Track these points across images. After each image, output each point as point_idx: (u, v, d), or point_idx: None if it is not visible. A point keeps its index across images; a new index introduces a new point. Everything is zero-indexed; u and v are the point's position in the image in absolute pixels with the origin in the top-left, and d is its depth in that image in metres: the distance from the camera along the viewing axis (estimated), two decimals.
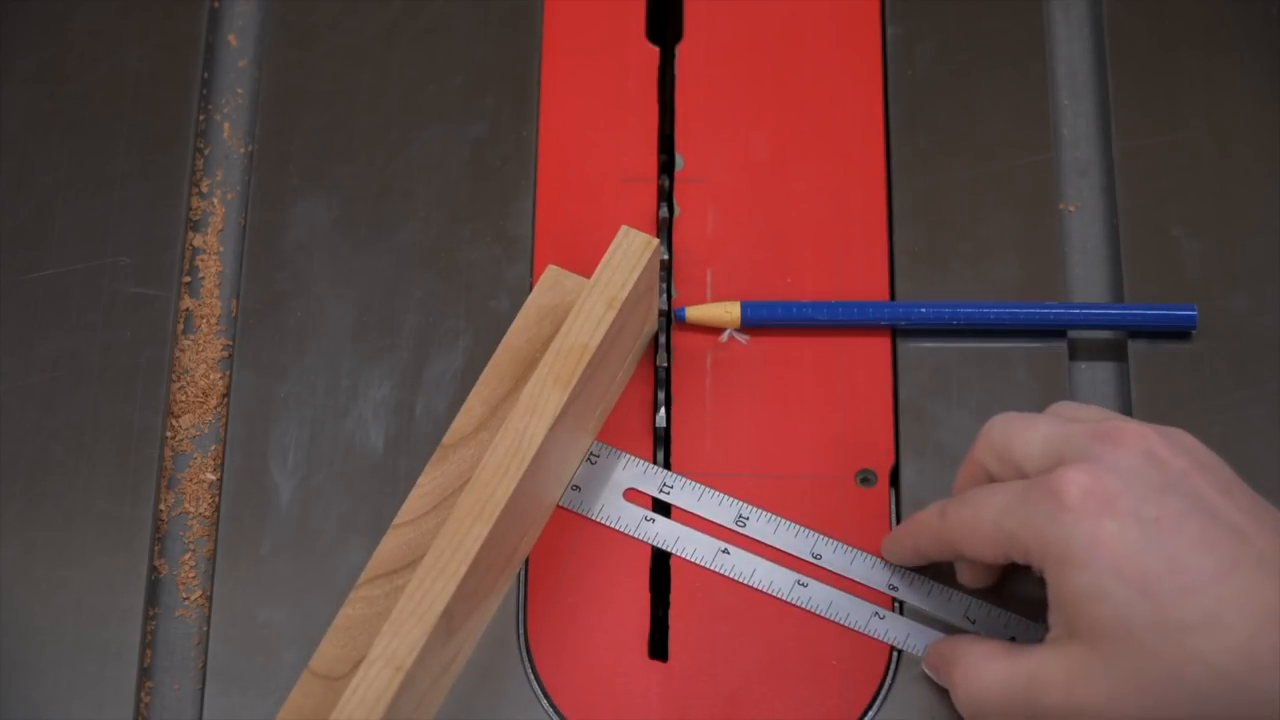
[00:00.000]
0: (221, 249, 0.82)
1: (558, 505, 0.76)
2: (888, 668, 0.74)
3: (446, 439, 0.75)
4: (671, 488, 0.76)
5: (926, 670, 0.73)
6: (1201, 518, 0.65)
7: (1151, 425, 0.67)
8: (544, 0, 0.85)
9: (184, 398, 0.79)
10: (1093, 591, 0.65)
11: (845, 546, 0.75)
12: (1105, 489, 0.65)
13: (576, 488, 0.76)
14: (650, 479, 0.77)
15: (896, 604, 0.75)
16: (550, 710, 0.73)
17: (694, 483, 0.76)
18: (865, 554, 0.75)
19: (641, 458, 0.77)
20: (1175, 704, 0.64)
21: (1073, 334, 0.79)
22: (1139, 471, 0.66)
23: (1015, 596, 0.74)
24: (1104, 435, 0.67)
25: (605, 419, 0.78)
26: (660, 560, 0.76)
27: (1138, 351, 0.78)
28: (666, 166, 0.83)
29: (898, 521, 0.76)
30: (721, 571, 0.75)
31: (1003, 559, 0.68)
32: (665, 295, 0.80)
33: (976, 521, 0.68)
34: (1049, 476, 0.66)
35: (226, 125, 0.84)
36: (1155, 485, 0.66)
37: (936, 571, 0.74)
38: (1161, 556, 0.64)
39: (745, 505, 0.76)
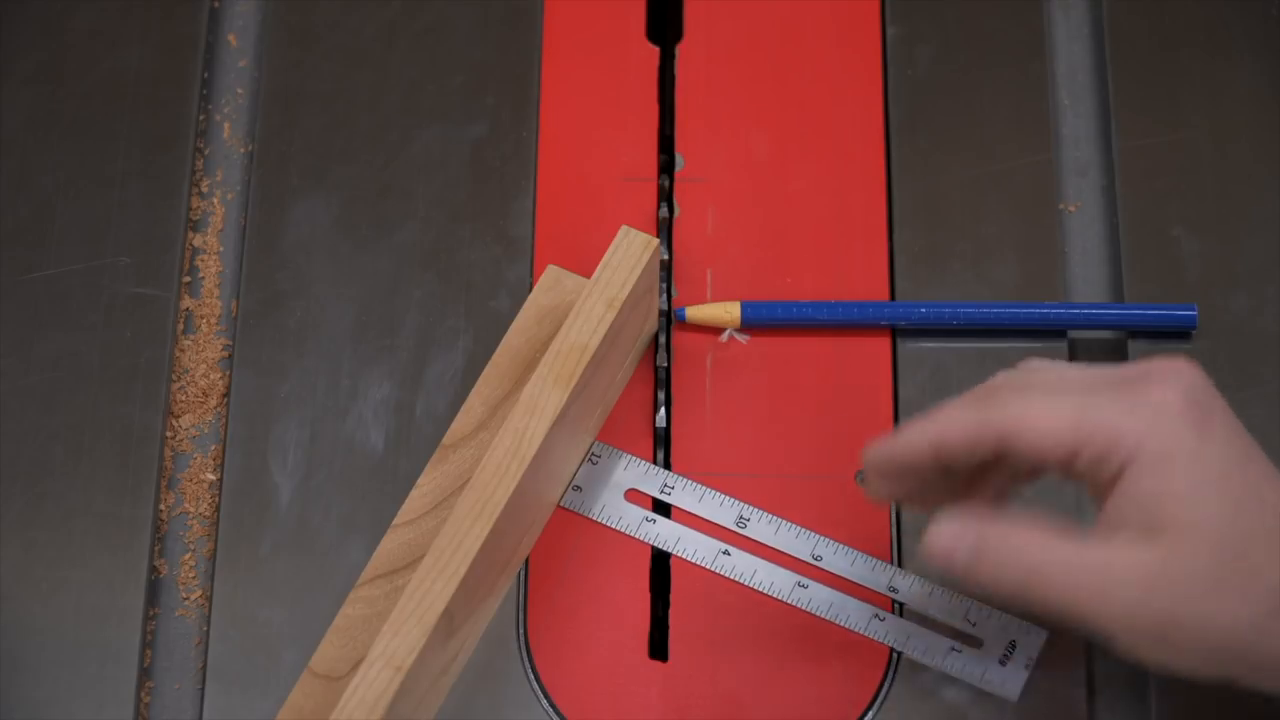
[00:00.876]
0: (221, 249, 0.82)
1: (558, 505, 0.76)
2: (887, 669, 0.74)
3: (446, 439, 0.75)
4: (672, 488, 0.76)
5: (934, 556, 0.67)
6: (1258, 456, 0.65)
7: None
8: (544, 0, 0.85)
9: (184, 398, 0.79)
10: (1190, 492, 0.64)
11: (846, 548, 0.75)
12: (1198, 406, 0.65)
13: (577, 488, 0.76)
14: (651, 479, 0.77)
15: (896, 606, 0.75)
16: (550, 710, 0.73)
17: (695, 484, 0.76)
18: (866, 556, 0.75)
19: (641, 458, 0.77)
20: (1255, 609, 0.63)
21: (1073, 334, 0.79)
22: (1216, 402, 0.66)
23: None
24: (1158, 368, 0.66)
25: (605, 419, 0.78)
26: (660, 561, 0.76)
27: (1138, 351, 0.78)
28: (666, 166, 0.83)
29: (898, 522, 0.76)
30: (722, 572, 0.75)
31: (1062, 450, 0.65)
32: (665, 295, 0.80)
33: (1049, 406, 0.65)
34: (1136, 384, 0.65)
35: (226, 125, 0.84)
36: (1229, 415, 0.66)
37: (937, 574, 0.74)
38: (1239, 461, 0.64)
39: (746, 506, 0.76)
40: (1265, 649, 0.64)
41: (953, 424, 0.66)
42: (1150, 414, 0.65)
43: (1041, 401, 0.65)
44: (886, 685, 0.73)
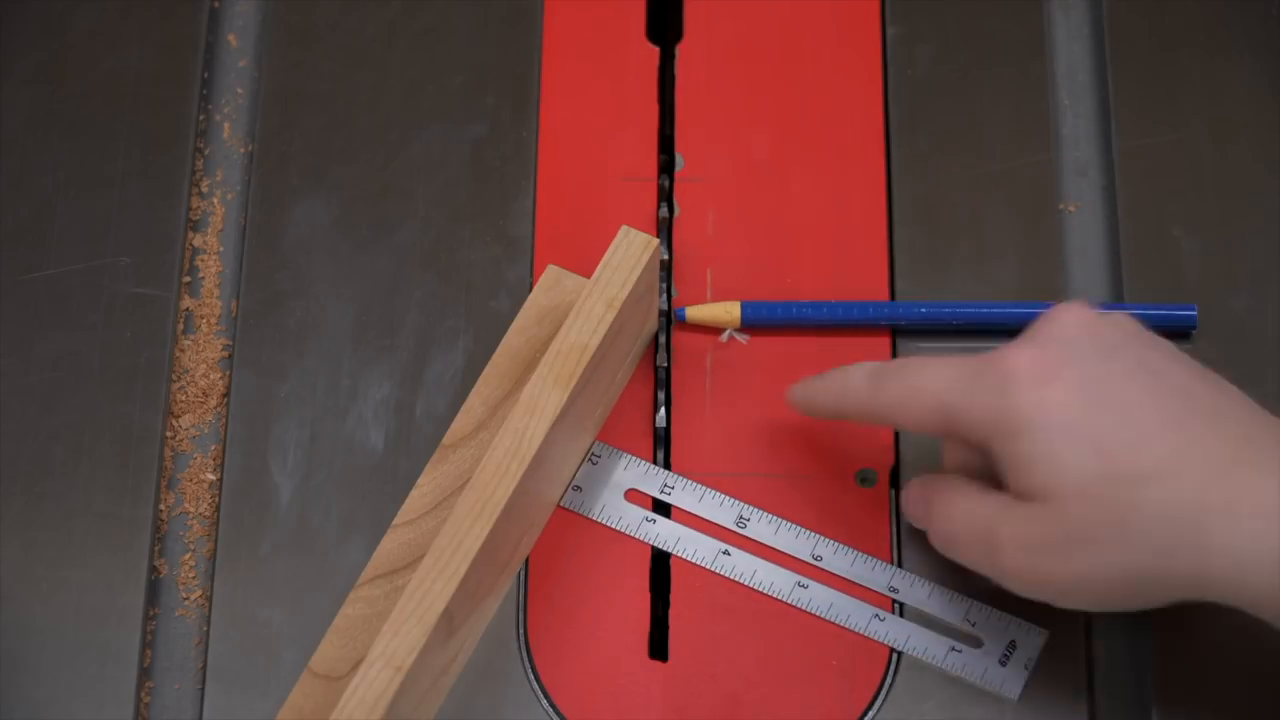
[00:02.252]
0: (221, 249, 0.82)
1: (558, 505, 0.76)
2: (888, 669, 0.74)
3: (446, 439, 0.75)
4: (672, 489, 0.76)
5: (905, 514, 0.73)
6: (1145, 378, 0.67)
7: (1084, 304, 0.69)
8: (544, 0, 0.85)
9: (184, 398, 0.79)
10: (1043, 454, 0.66)
11: (846, 548, 0.75)
12: (1049, 360, 0.67)
13: (577, 488, 0.76)
14: (651, 479, 0.77)
15: (896, 606, 0.75)
16: (550, 710, 0.73)
17: (695, 484, 0.76)
18: (866, 556, 0.75)
19: (641, 458, 0.77)
20: (1128, 557, 0.65)
21: None
22: (1077, 339, 0.68)
23: (1016, 597, 0.74)
24: (1040, 322, 0.68)
25: (605, 419, 0.78)
26: (660, 560, 0.76)
27: None
28: (666, 166, 0.83)
29: (898, 523, 0.76)
30: (722, 572, 0.75)
31: (940, 432, 0.70)
32: (665, 295, 0.80)
33: (914, 395, 0.69)
34: (994, 355, 0.68)
35: (226, 125, 0.84)
36: (1096, 349, 0.67)
37: (937, 574, 0.74)
38: (1108, 414, 0.66)
39: (746, 506, 0.76)
40: (1149, 591, 0.66)
41: (849, 400, 0.72)
42: (994, 390, 0.67)
43: (908, 388, 0.70)
44: (886, 685, 0.73)
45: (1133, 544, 0.65)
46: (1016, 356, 0.67)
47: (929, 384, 0.69)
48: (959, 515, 0.70)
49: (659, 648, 0.75)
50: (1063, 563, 0.66)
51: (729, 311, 0.79)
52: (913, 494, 0.73)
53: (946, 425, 0.69)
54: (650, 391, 0.79)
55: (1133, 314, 0.78)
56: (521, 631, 0.75)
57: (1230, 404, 0.67)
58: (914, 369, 0.70)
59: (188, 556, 0.76)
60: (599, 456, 0.77)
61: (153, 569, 0.76)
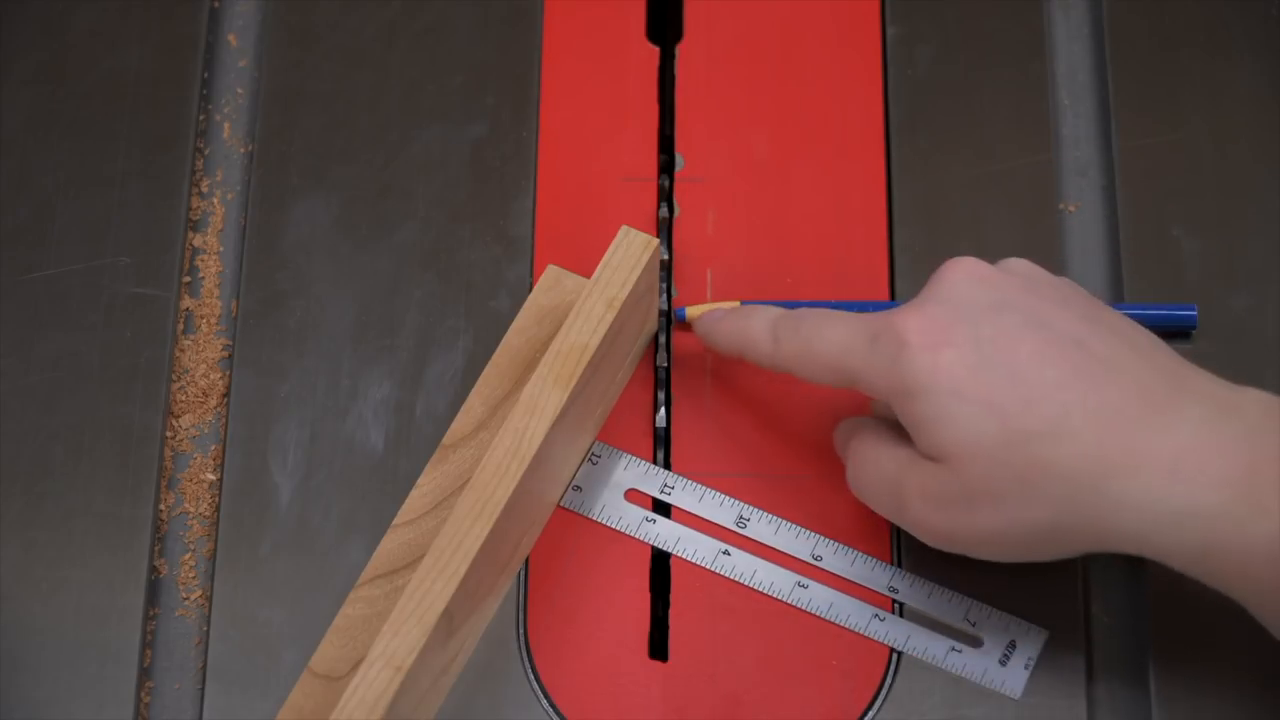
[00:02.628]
0: (221, 249, 0.82)
1: (558, 505, 0.76)
2: (887, 669, 0.74)
3: (446, 439, 0.75)
4: (672, 489, 0.76)
5: (836, 447, 0.75)
6: (1038, 331, 0.67)
7: (975, 258, 0.70)
8: (544, 0, 0.85)
9: (184, 398, 0.79)
10: (937, 415, 0.67)
11: (846, 548, 0.75)
12: (939, 322, 0.68)
13: (577, 488, 0.76)
14: (651, 480, 0.77)
15: (896, 606, 0.75)
16: (550, 710, 0.73)
17: (695, 484, 0.76)
18: (866, 556, 0.75)
19: (641, 458, 0.77)
20: (1029, 514, 0.66)
21: None
22: (968, 297, 0.68)
23: (1016, 597, 0.74)
24: (932, 280, 0.70)
25: (605, 419, 0.78)
26: (660, 560, 0.76)
27: None
28: (666, 166, 0.83)
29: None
30: (722, 572, 0.75)
31: (841, 387, 0.71)
32: (665, 295, 0.80)
33: (812, 355, 0.70)
34: (888, 319, 0.68)
35: (226, 125, 0.84)
36: (987, 306, 0.68)
37: (937, 574, 0.74)
38: (1001, 372, 0.66)
39: (746, 506, 0.76)
40: (1056, 545, 0.67)
41: (750, 349, 0.73)
42: (888, 358, 0.68)
43: (806, 348, 0.71)
44: (886, 685, 0.73)
45: (1034, 500, 0.66)
46: (906, 321, 0.68)
47: (826, 347, 0.70)
48: (870, 463, 0.71)
49: (659, 648, 0.75)
50: (966, 518, 0.67)
51: None
52: (839, 435, 0.74)
53: (847, 383, 0.70)
54: (650, 391, 0.79)
55: (1131, 314, 0.78)
56: (521, 631, 0.75)
57: (1126, 352, 0.67)
58: (811, 328, 0.71)
59: (188, 556, 0.76)
60: (599, 456, 0.77)
61: (153, 569, 0.76)
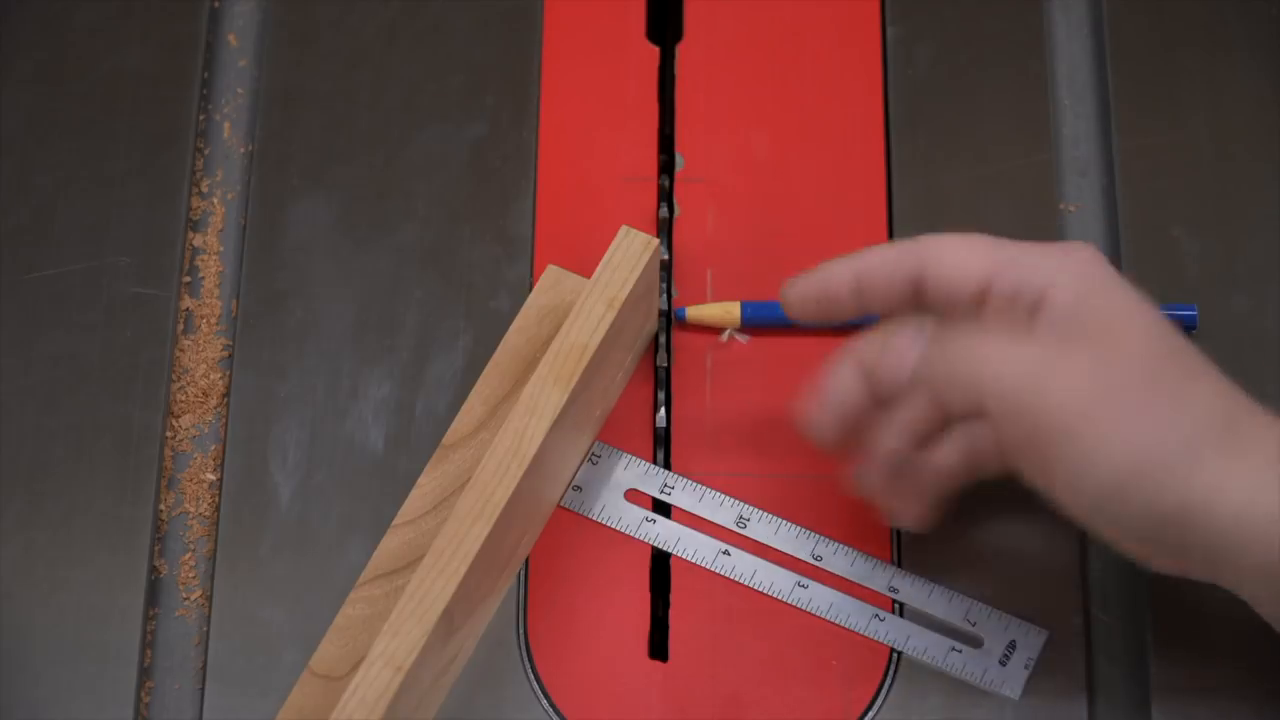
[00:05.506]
0: (221, 249, 0.82)
1: (558, 505, 0.76)
2: (888, 669, 0.74)
3: (446, 439, 0.75)
4: (672, 489, 0.76)
5: (887, 363, 0.70)
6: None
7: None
8: (544, 0, 0.85)
9: (184, 398, 0.79)
10: (1115, 314, 0.66)
11: (846, 548, 0.75)
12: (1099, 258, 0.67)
13: (577, 488, 0.76)
14: (651, 480, 0.77)
15: (896, 606, 0.75)
16: (550, 710, 0.73)
17: (695, 484, 0.76)
18: (866, 556, 0.75)
19: (641, 458, 0.77)
20: (1180, 422, 0.64)
21: None
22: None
23: (1016, 597, 0.74)
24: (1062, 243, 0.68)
25: (605, 419, 0.78)
26: (660, 560, 0.76)
27: None
28: (666, 166, 0.83)
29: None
30: (722, 572, 0.75)
31: (973, 283, 0.67)
32: (665, 295, 0.80)
33: (965, 243, 0.68)
34: (1053, 242, 0.67)
35: (226, 125, 0.84)
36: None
37: (937, 574, 0.74)
38: (1161, 317, 0.66)
39: (746, 506, 0.76)
40: (1194, 484, 0.63)
41: (873, 256, 0.69)
42: (1060, 253, 0.67)
43: (957, 240, 0.68)
44: (886, 685, 0.73)
45: (1185, 409, 0.64)
46: (1076, 245, 0.67)
47: (979, 240, 0.68)
48: (988, 349, 0.66)
49: (659, 648, 0.75)
50: (1117, 409, 0.64)
51: (729, 311, 0.79)
52: (908, 336, 0.69)
53: (992, 268, 0.67)
54: (650, 391, 0.79)
55: None
56: (521, 631, 0.75)
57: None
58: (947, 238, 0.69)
59: (188, 556, 0.76)
60: (599, 456, 0.77)
61: (153, 569, 0.76)
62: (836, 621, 0.74)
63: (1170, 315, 0.78)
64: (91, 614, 0.75)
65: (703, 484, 0.77)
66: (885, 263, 0.69)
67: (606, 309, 0.73)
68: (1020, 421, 0.65)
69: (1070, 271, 0.66)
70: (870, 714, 0.73)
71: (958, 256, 0.68)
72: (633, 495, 0.77)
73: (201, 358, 0.79)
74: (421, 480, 0.75)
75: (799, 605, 0.75)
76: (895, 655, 0.74)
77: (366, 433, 0.77)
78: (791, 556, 0.75)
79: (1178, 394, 0.65)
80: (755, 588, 0.75)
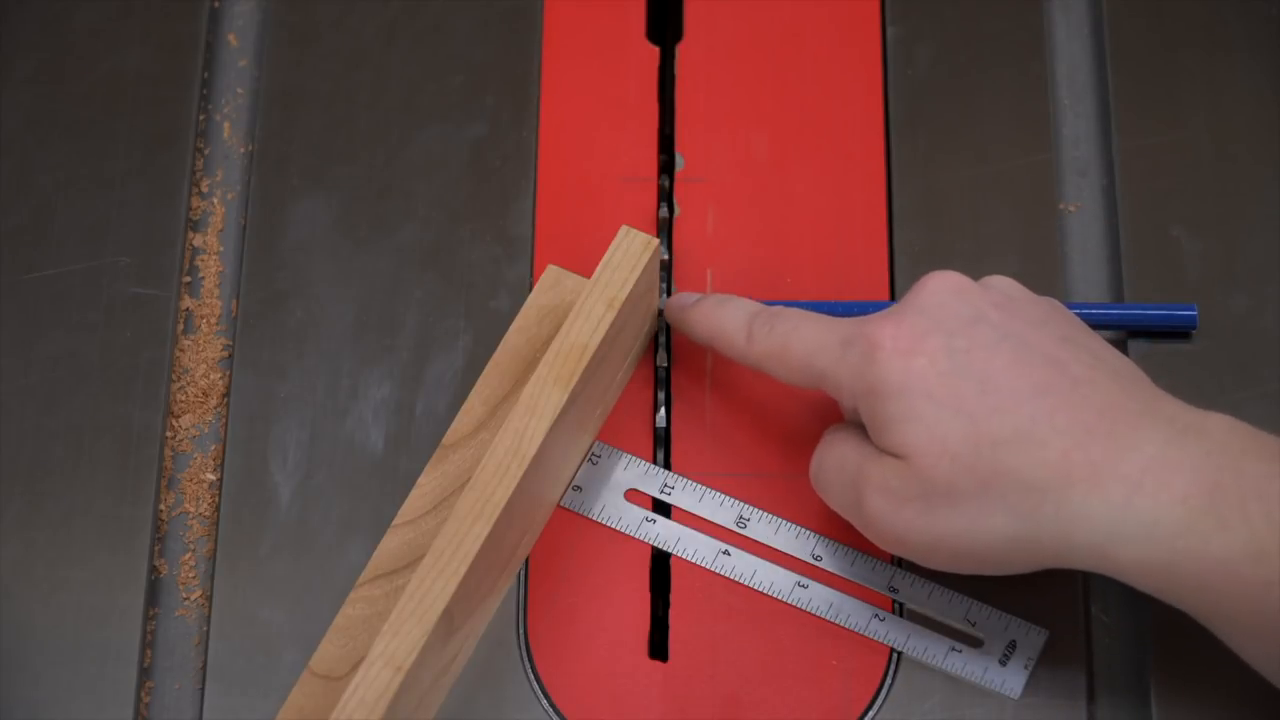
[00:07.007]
0: (221, 249, 0.82)
1: (558, 505, 0.76)
2: (887, 669, 0.74)
3: (446, 439, 0.75)
4: (672, 489, 0.76)
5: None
6: (1014, 345, 0.68)
7: (957, 272, 0.71)
8: (544, 0, 0.85)
9: (184, 398, 0.79)
10: (906, 414, 0.67)
11: (846, 549, 0.75)
12: (914, 329, 0.68)
13: (577, 488, 0.76)
14: (651, 480, 0.77)
15: (897, 606, 0.75)
16: (550, 710, 0.73)
17: (695, 484, 0.76)
18: (866, 556, 0.75)
19: (641, 458, 0.77)
20: (986, 521, 0.66)
21: None
22: (948, 308, 0.69)
23: (1016, 597, 0.74)
24: (910, 291, 0.70)
25: (605, 419, 0.78)
26: (660, 560, 0.76)
27: (1138, 351, 0.78)
28: (666, 166, 0.83)
29: None
30: (722, 572, 0.75)
31: (809, 388, 0.72)
32: (665, 295, 0.80)
33: (786, 354, 0.71)
34: (863, 324, 0.69)
35: (226, 125, 0.84)
36: (965, 319, 0.68)
37: (937, 574, 0.74)
38: (973, 379, 0.67)
39: (746, 506, 0.76)
40: (1011, 556, 0.67)
41: (723, 343, 0.74)
42: (862, 358, 0.68)
43: (780, 347, 0.71)
44: (886, 685, 0.73)
45: (993, 507, 0.66)
46: (881, 328, 0.68)
47: (800, 346, 0.71)
48: (833, 454, 0.71)
49: (659, 648, 0.75)
50: (922, 519, 0.67)
51: None
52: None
53: (815, 384, 0.71)
54: (650, 391, 0.79)
55: (1131, 314, 0.78)
56: (521, 631, 0.75)
57: (1101, 375, 0.67)
58: (786, 328, 0.71)
59: (188, 556, 0.76)
60: (599, 456, 0.77)
61: (153, 569, 0.76)
62: (836, 621, 0.74)
63: (1170, 315, 0.78)
64: (91, 614, 0.75)
65: (703, 484, 0.77)
66: (732, 352, 0.74)
67: (606, 309, 0.73)
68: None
69: (862, 385, 0.69)
70: (870, 714, 0.73)
71: (785, 374, 0.72)
72: (633, 495, 0.77)
73: (201, 358, 0.79)
74: (421, 480, 0.75)
75: (799, 605, 0.75)
76: (895, 655, 0.74)
77: (366, 433, 0.77)
78: (791, 556, 0.75)
79: (982, 478, 0.66)
80: (755, 588, 0.75)
